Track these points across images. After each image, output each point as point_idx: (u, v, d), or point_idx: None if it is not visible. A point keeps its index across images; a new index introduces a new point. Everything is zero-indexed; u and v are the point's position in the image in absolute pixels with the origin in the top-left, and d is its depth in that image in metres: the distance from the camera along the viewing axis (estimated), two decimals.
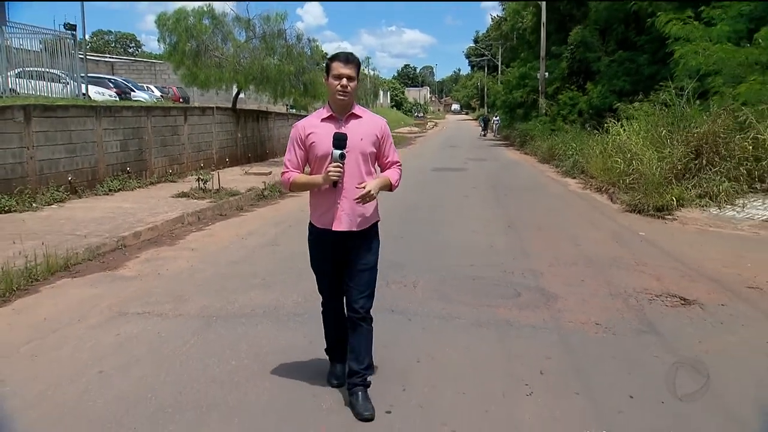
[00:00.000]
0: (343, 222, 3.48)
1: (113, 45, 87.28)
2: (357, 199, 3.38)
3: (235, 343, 4.60)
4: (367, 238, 3.60)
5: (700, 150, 11.57)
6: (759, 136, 10.87)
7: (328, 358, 4.00)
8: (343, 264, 3.62)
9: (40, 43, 14.62)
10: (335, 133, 3.37)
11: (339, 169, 3.34)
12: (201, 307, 5.43)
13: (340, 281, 3.68)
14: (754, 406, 3.71)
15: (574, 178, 16.75)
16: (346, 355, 3.79)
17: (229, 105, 19.84)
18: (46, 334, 4.73)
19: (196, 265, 7.02)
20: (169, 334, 4.78)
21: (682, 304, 5.72)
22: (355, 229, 3.51)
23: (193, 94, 31.98)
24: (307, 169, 3.62)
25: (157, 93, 29.66)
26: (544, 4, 30.24)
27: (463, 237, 8.78)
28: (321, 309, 3.90)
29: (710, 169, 11.21)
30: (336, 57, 3.44)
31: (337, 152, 3.32)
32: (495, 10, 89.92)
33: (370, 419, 3.45)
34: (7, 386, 3.82)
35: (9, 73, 13.45)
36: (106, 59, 37.77)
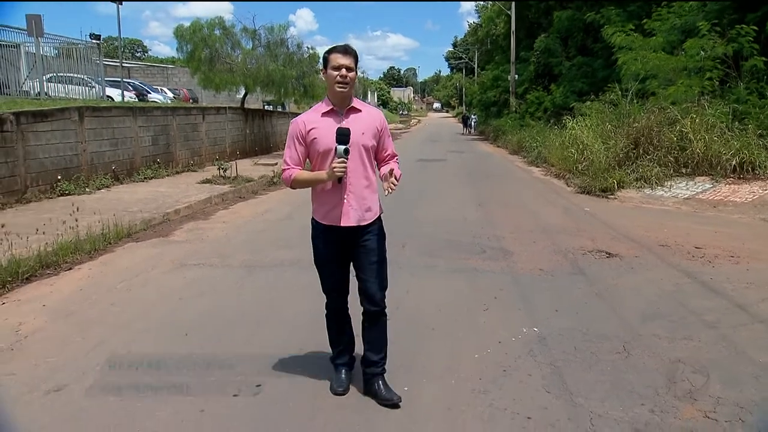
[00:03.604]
0: (351, 217, 3.25)
1: (122, 50, 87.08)
2: (390, 186, 3.17)
3: (273, 282, 5.76)
4: (373, 231, 3.37)
5: (638, 141, 12.78)
6: (683, 129, 12.12)
7: (333, 366, 3.63)
8: (352, 259, 3.40)
9: (55, 49, 15.51)
10: (338, 128, 3.12)
11: (344, 164, 3.11)
12: (242, 261, 6.57)
13: (346, 278, 3.44)
14: (641, 314, 4.92)
15: (538, 166, 17.90)
16: (353, 361, 3.63)
17: (233, 105, 20.82)
18: (131, 277, 5.87)
19: (230, 233, 8.14)
20: (223, 278, 5.93)
21: (607, 256, 6.92)
22: (363, 223, 3.30)
23: (201, 95, 32.84)
24: (308, 165, 3.37)
25: (170, 94, 30.51)
26: (513, 14, 31.36)
27: (442, 212, 9.93)
28: (325, 313, 3.59)
29: (645, 157, 12.42)
30: (334, 49, 3.20)
31: (342, 147, 3.09)
32: (472, 17, 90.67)
33: (398, 404, 3.30)
34: (117, 307, 4.97)
35: (43, 78, 14.42)
36: (124, 64, 38.40)
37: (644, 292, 5.54)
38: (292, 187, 3.36)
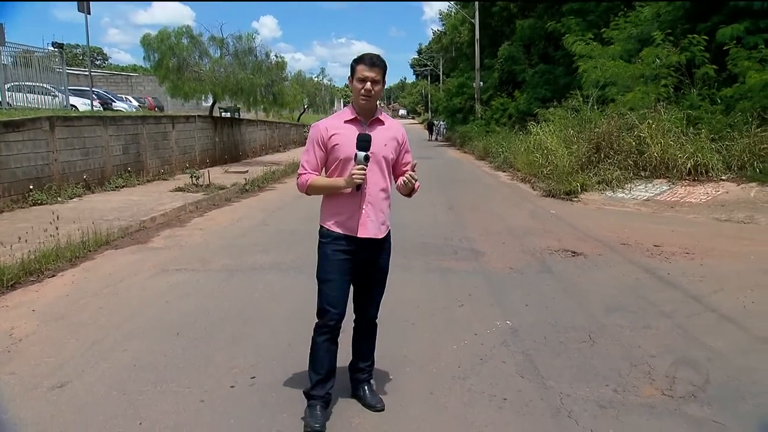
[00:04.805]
0: (369, 228, 3.15)
1: (81, 58, 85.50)
2: (408, 180, 3.16)
3: (254, 284, 5.97)
4: (386, 249, 3.34)
5: (599, 146, 13.38)
6: (641, 134, 12.73)
7: (306, 400, 3.24)
8: (358, 273, 3.26)
9: (11, 57, 15.28)
10: (360, 134, 3.04)
11: (363, 171, 3.01)
12: (222, 265, 6.75)
13: (347, 294, 3.24)
14: (604, 307, 5.30)
15: (504, 171, 18.43)
16: (330, 397, 3.28)
17: (200, 113, 20.81)
18: (116, 282, 6.00)
19: (207, 239, 8.28)
20: (205, 281, 6.10)
21: (572, 255, 7.32)
22: (379, 236, 3.21)
23: (167, 103, 32.68)
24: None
25: (135, 103, 30.25)
26: (477, 22, 32.06)
27: (414, 216, 10.16)
28: (312, 336, 3.23)
29: (606, 161, 13.02)
30: (361, 60, 3.10)
31: (362, 154, 3.00)
32: (436, 24, 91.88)
33: (381, 410, 3.34)
34: (106, 310, 5.12)
35: (4, 87, 14.25)
36: (87, 73, 37.85)
37: (607, 287, 5.93)
38: (308, 193, 3.21)
